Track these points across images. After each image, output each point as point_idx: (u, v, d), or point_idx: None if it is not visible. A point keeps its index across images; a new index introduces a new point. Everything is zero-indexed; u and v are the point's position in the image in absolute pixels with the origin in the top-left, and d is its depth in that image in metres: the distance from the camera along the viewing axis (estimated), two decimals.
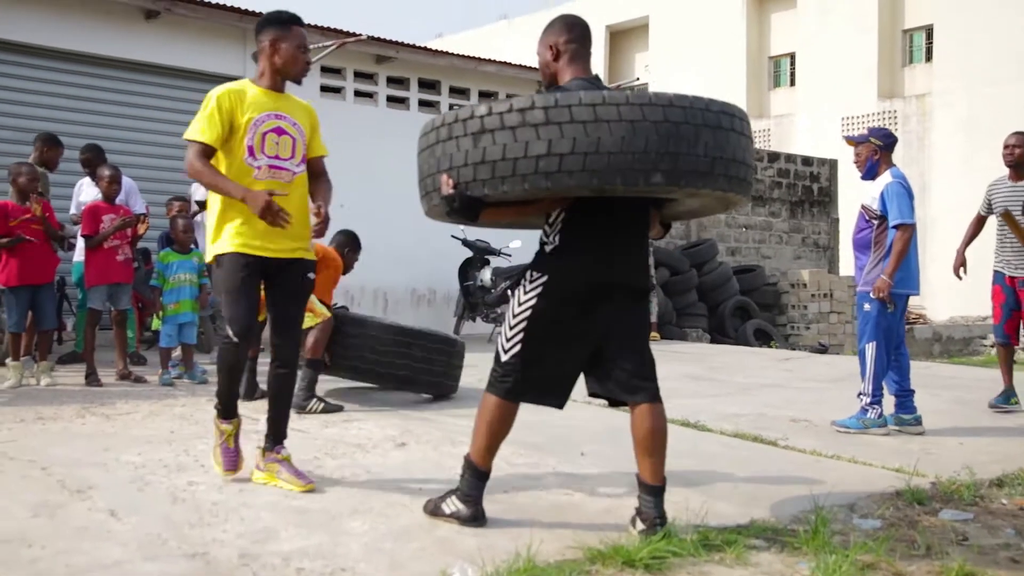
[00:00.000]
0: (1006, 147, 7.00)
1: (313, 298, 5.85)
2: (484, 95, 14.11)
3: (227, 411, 4.22)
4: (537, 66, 3.66)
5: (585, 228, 3.39)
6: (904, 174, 6.05)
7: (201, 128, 4.19)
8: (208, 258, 4.15)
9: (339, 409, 6.08)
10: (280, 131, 4.18)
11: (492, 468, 3.56)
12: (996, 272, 7.10)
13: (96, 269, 7.22)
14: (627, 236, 3.47)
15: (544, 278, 3.41)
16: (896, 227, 5.81)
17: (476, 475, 3.52)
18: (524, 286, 3.46)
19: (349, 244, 7.09)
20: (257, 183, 4.04)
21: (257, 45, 4.24)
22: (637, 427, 3.46)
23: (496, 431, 3.51)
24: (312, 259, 4.29)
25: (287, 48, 4.16)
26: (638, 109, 3.06)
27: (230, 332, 4.02)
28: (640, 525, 3.35)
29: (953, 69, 27.21)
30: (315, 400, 6.04)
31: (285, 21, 4.19)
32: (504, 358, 3.48)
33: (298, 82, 4.31)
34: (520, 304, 3.45)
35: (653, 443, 3.43)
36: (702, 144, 3.12)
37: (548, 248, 3.45)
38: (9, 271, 6.89)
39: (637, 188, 3.11)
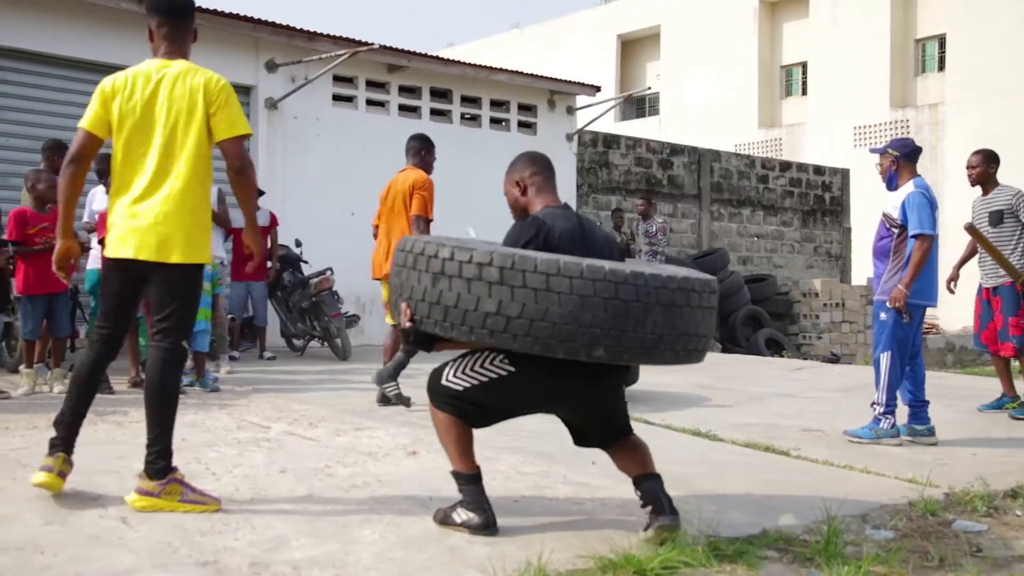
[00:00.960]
0: (968, 167, 7.31)
1: None
2: (495, 104, 14.15)
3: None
4: (508, 202, 3.76)
5: None
6: (928, 184, 6.03)
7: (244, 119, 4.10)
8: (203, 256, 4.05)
9: (407, 403, 6.47)
10: None
11: (479, 467, 3.57)
12: (979, 284, 7.32)
13: None
14: None
15: (512, 369, 3.40)
16: (915, 237, 5.78)
17: (469, 480, 3.53)
18: (486, 357, 3.44)
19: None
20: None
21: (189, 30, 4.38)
22: (617, 460, 3.62)
23: (459, 438, 3.54)
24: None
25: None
26: (590, 285, 3.07)
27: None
28: (650, 527, 3.36)
29: (966, 79, 27.15)
30: (394, 384, 6.47)
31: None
32: (444, 382, 3.51)
33: None
34: (478, 366, 3.45)
35: (635, 459, 3.57)
36: (650, 322, 3.13)
37: None
38: (26, 279, 6.92)
39: (578, 357, 3.14)
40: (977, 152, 7.28)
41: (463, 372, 3.47)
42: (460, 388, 3.47)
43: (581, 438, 3.73)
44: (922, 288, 5.87)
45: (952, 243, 22.83)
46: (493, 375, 3.41)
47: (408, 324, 3.32)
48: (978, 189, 7.34)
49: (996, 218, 7.14)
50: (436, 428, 3.60)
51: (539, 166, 3.72)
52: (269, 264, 10.35)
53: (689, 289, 3.23)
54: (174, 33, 4.16)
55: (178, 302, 3.90)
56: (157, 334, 3.87)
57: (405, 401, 6.49)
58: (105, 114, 3.99)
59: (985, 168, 7.19)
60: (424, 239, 3.31)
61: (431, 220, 6.83)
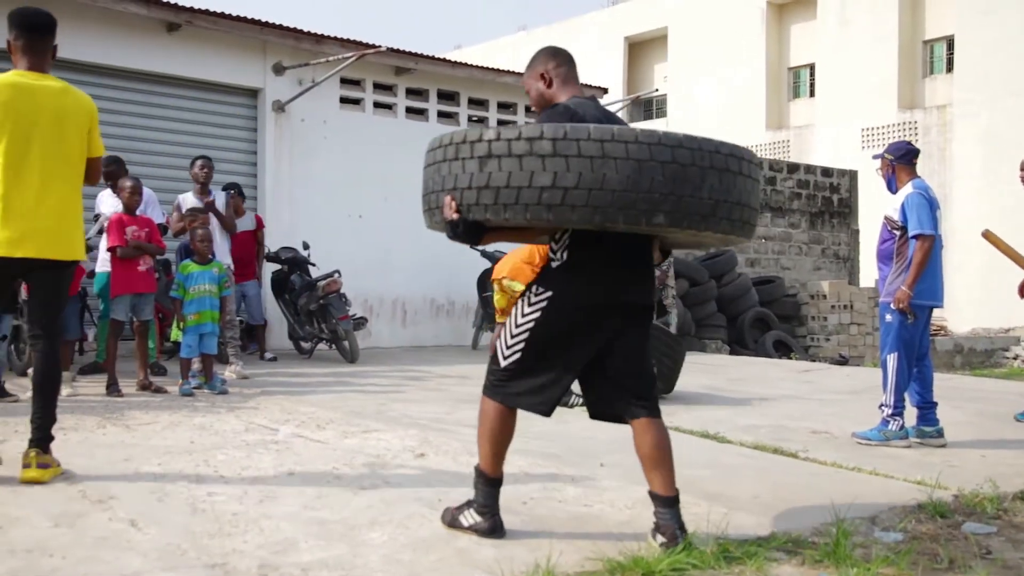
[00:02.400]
0: (1022, 169, 7.03)
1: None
2: (503, 106, 14.15)
3: None
4: (531, 98, 3.69)
5: (592, 247, 3.38)
6: (927, 185, 6.03)
7: (99, 141, 4.64)
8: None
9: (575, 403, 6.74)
10: None
11: (504, 475, 3.56)
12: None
13: (120, 280, 7.27)
14: (633, 255, 3.47)
15: (549, 293, 3.41)
16: (915, 237, 5.79)
17: (488, 483, 3.52)
18: (528, 298, 3.46)
19: None
20: None
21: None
22: (640, 443, 3.46)
23: (499, 437, 3.51)
24: None
25: None
26: (646, 148, 3.04)
27: None
28: (660, 539, 3.33)
29: (974, 80, 27.07)
30: (573, 395, 6.63)
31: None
32: (503, 364, 3.48)
33: None
34: (523, 316, 3.45)
35: (658, 456, 3.43)
36: (707, 187, 3.10)
37: (554, 264, 3.44)
38: None
39: (639, 227, 3.11)
40: None
41: (511, 337, 3.45)
42: (516, 356, 3.43)
43: (602, 403, 3.57)
44: (927, 289, 5.87)
45: (960, 244, 22.85)
46: (537, 314, 3.39)
47: (455, 216, 3.25)
48: (1011, 188, 7.17)
49: None
50: (480, 423, 3.54)
51: (562, 58, 3.63)
52: (276, 268, 10.48)
53: (740, 157, 3.22)
54: (37, 48, 4.41)
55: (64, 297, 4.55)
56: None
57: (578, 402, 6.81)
58: None
59: None
60: (463, 128, 3.28)
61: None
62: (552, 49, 3.69)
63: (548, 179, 3.04)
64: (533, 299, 3.44)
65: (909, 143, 6.23)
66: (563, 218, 3.09)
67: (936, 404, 6.00)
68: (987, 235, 6.82)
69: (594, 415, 3.63)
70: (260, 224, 10.34)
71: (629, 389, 3.48)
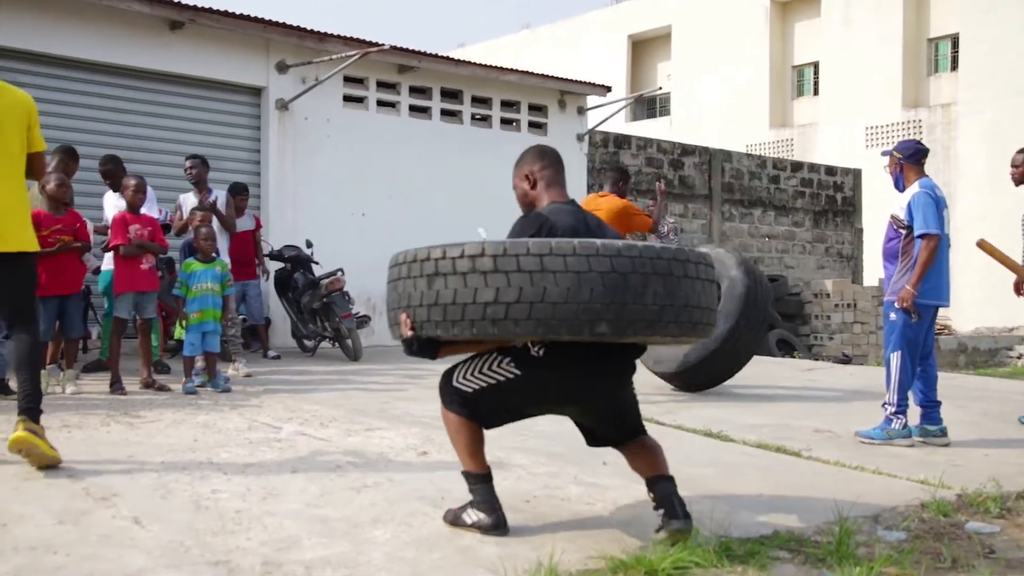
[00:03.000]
0: (1012, 166, 6.94)
1: None
2: (506, 104, 14.15)
3: None
4: (516, 196, 3.75)
5: (574, 346, 3.32)
6: (934, 184, 6.01)
7: (40, 136, 4.76)
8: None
9: None
10: None
11: (489, 466, 3.57)
12: None
13: (123, 278, 7.28)
14: (615, 347, 3.43)
15: (517, 372, 3.39)
16: (921, 237, 5.78)
17: (479, 480, 3.53)
18: (494, 360, 3.43)
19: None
20: None
21: None
22: (632, 462, 3.60)
23: (471, 440, 3.54)
24: None
25: None
26: (585, 260, 3.05)
27: None
28: (663, 534, 3.34)
29: (979, 78, 27.02)
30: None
31: None
32: (458, 386, 3.51)
33: None
34: (486, 369, 3.45)
35: (651, 463, 3.54)
36: (650, 293, 3.10)
37: (532, 352, 3.39)
38: (38, 280, 6.93)
39: (582, 337, 3.11)
40: (1022, 150, 6.96)
41: (471, 375, 3.47)
42: (469, 390, 3.47)
43: (594, 439, 3.72)
44: (932, 288, 5.86)
45: (964, 244, 22.76)
46: (500, 378, 3.41)
47: (409, 333, 3.30)
48: (1014, 186, 7.04)
49: None
50: (447, 429, 3.60)
51: (548, 160, 3.70)
52: (279, 267, 10.51)
53: (684, 260, 3.22)
54: None
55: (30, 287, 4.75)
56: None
57: None
58: None
59: None
60: (415, 248, 3.31)
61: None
62: (540, 150, 3.75)
63: (491, 295, 3.08)
64: (496, 366, 3.42)
65: (918, 142, 6.21)
66: (507, 332, 3.12)
67: (940, 403, 5.99)
68: (982, 244, 6.73)
69: (590, 445, 3.76)
70: (258, 224, 10.35)
71: (613, 431, 3.61)
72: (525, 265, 3.06)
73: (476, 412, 3.50)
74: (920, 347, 5.93)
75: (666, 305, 3.14)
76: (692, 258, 3.26)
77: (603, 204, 7.61)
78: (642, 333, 3.15)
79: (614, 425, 3.60)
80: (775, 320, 15.57)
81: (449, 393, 3.54)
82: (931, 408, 5.95)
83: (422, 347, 3.35)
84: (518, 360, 3.38)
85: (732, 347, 7.74)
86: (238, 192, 10.03)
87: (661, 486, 3.44)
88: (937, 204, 5.87)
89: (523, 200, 3.71)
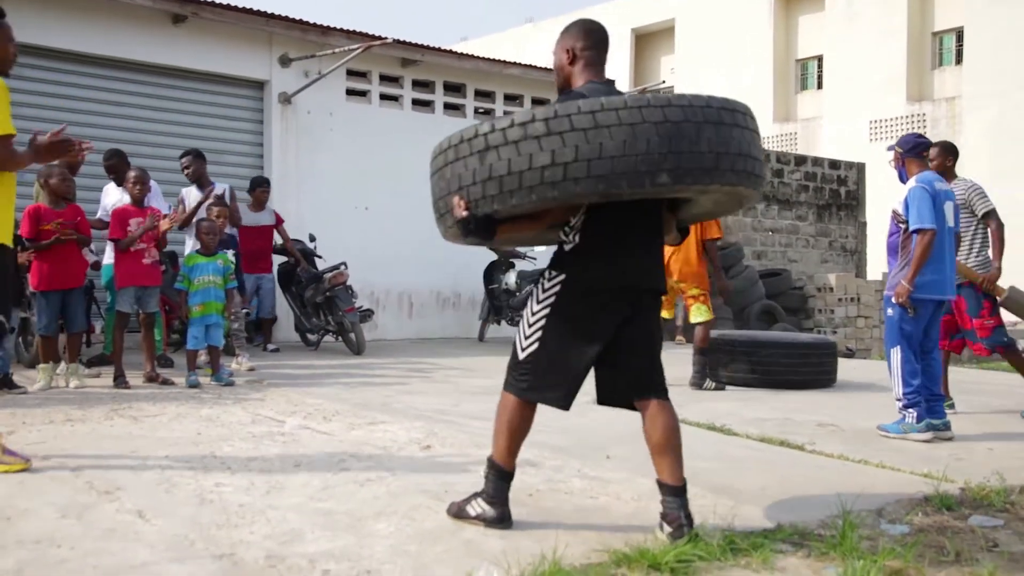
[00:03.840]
0: (928, 160, 7.02)
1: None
2: (509, 98, 14.14)
3: None
4: (554, 64, 3.68)
5: (603, 230, 3.39)
6: (935, 177, 5.99)
7: (7, 119, 4.27)
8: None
9: (722, 388, 7.85)
10: None
11: (515, 469, 3.56)
12: None
13: (124, 272, 7.29)
14: (643, 238, 3.47)
15: (562, 276, 3.42)
16: (915, 232, 5.78)
17: (500, 476, 3.52)
18: (543, 284, 3.48)
19: None
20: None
21: None
22: (649, 426, 3.45)
23: (516, 431, 3.52)
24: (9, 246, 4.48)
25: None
26: (637, 112, 3.06)
27: None
28: (667, 528, 3.33)
29: (983, 72, 26.97)
30: (708, 380, 7.76)
31: None
32: (521, 356, 3.49)
33: (5, 74, 4.40)
34: (538, 302, 3.47)
35: (667, 441, 3.41)
36: (704, 140, 3.11)
37: (567, 247, 3.45)
38: (40, 275, 6.95)
39: (643, 190, 3.11)
40: (935, 144, 7.08)
41: (528, 327, 3.47)
42: (535, 346, 3.44)
43: (611, 388, 3.57)
44: (931, 282, 5.85)
45: None
46: (552, 297, 3.41)
47: (464, 214, 3.26)
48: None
49: None
50: (497, 415, 3.55)
51: (593, 39, 3.59)
52: (283, 260, 10.54)
53: (733, 109, 3.22)
54: None
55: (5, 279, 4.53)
56: None
57: (721, 387, 7.90)
58: None
59: (942, 161, 7.04)
60: (456, 131, 3.30)
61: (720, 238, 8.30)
62: (588, 27, 3.63)
63: (547, 158, 3.07)
64: (547, 284, 3.46)
65: (919, 135, 6.20)
66: (568, 192, 3.10)
67: (943, 396, 5.99)
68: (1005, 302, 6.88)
69: (602, 400, 3.62)
70: (279, 220, 10.39)
71: (639, 374, 3.48)
72: (578, 123, 3.06)
73: (535, 384, 3.45)
74: (919, 341, 5.92)
75: (721, 153, 3.14)
76: (739, 108, 3.27)
77: None
78: (701, 181, 3.15)
79: (643, 360, 3.48)
80: (779, 314, 15.55)
81: (515, 368, 3.51)
82: (934, 402, 5.94)
83: (479, 225, 3.30)
84: (558, 266, 3.43)
85: None
86: (258, 185, 10.08)
87: (672, 500, 3.36)
88: (935, 198, 5.85)
89: (560, 72, 3.63)
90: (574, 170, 3.05)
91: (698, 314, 8.04)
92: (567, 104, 3.11)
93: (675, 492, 3.38)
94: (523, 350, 3.49)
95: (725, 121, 3.17)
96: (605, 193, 3.11)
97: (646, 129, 3.04)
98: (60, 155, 4.50)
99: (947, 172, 6.93)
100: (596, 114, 3.06)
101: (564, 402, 3.50)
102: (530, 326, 3.48)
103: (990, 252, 6.92)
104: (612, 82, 3.58)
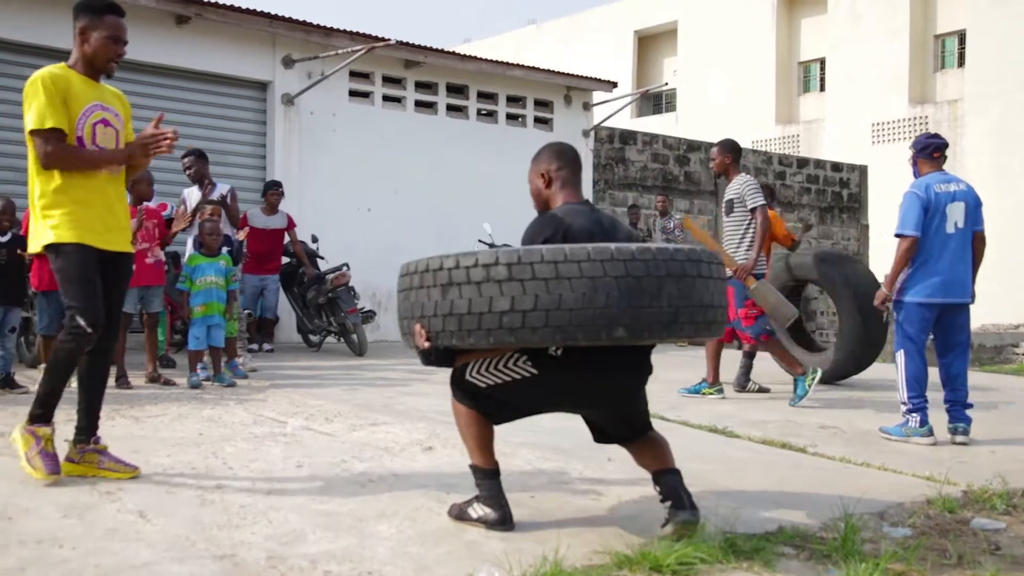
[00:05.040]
0: (710, 159, 7.65)
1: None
2: (512, 100, 14.14)
3: (49, 414, 4.11)
4: (531, 191, 3.74)
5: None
6: (932, 181, 5.93)
7: (51, 113, 3.94)
8: (39, 244, 4.01)
9: (767, 391, 7.96)
10: (105, 123, 4.11)
11: (498, 463, 3.58)
12: None
13: None
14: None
15: (535, 371, 3.37)
16: (896, 236, 5.87)
17: (486, 475, 3.53)
18: (512, 359, 3.40)
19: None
20: (88, 177, 4.01)
21: (73, 29, 4.14)
22: (637, 456, 3.61)
23: (480, 433, 3.54)
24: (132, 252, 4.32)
25: (97, 37, 4.11)
26: (599, 265, 3.05)
27: (82, 322, 3.88)
28: (669, 523, 3.34)
29: (986, 75, 26.96)
30: (752, 383, 7.97)
31: (98, 9, 4.13)
32: (472, 380, 3.48)
33: (108, 75, 4.24)
34: (501, 366, 3.42)
35: (657, 456, 3.54)
36: (665, 295, 3.10)
37: (551, 350, 3.36)
38: (41, 275, 6.95)
39: (599, 341, 3.10)
40: (717, 144, 7.55)
41: (487, 370, 3.45)
42: (482, 385, 3.45)
43: (601, 435, 3.72)
44: (925, 286, 5.82)
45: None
46: (516, 375, 3.39)
47: (425, 344, 3.28)
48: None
49: (728, 207, 7.46)
50: (457, 422, 3.59)
51: (566, 160, 3.68)
52: (286, 260, 10.55)
53: (698, 260, 3.21)
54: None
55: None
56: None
57: (766, 390, 8.01)
58: None
59: (722, 159, 7.45)
60: (426, 257, 3.29)
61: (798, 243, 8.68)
62: (559, 149, 3.72)
63: (507, 303, 3.07)
64: (513, 364, 3.40)
65: (931, 135, 6.17)
66: (524, 340, 3.11)
67: (961, 402, 5.91)
68: (684, 223, 7.56)
69: (597, 440, 3.76)
70: (291, 223, 10.39)
71: (622, 428, 3.61)
72: (540, 272, 3.05)
73: (487, 407, 3.49)
74: (921, 344, 5.89)
75: (681, 306, 3.14)
76: (705, 258, 3.26)
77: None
78: (658, 335, 3.15)
79: (626, 423, 3.59)
80: None
81: (461, 387, 3.53)
82: (952, 407, 5.90)
83: (440, 357, 3.36)
84: (535, 360, 3.36)
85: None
86: (269, 188, 10.10)
87: (668, 478, 3.44)
88: (927, 203, 5.82)
89: (537, 197, 3.70)
90: (532, 319, 3.05)
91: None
92: (530, 250, 3.10)
93: (668, 472, 3.47)
94: (470, 376, 3.47)
95: (688, 273, 3.16)
96: (562, 343, 3.13)
97: (607, 283, 3.04)
98: (154, 152, 4.12)
99: (728, 170, 7.52)
100: (558, 264, 3.05)
101: (510, 420, 3.61)
102: (486, 370, 3.44)
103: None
104: (587, 202, 3.65)
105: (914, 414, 5.77)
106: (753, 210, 7.26)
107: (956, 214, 5.87)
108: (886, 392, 8.17)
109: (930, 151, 6.04)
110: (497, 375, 3.43)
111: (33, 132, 3.94)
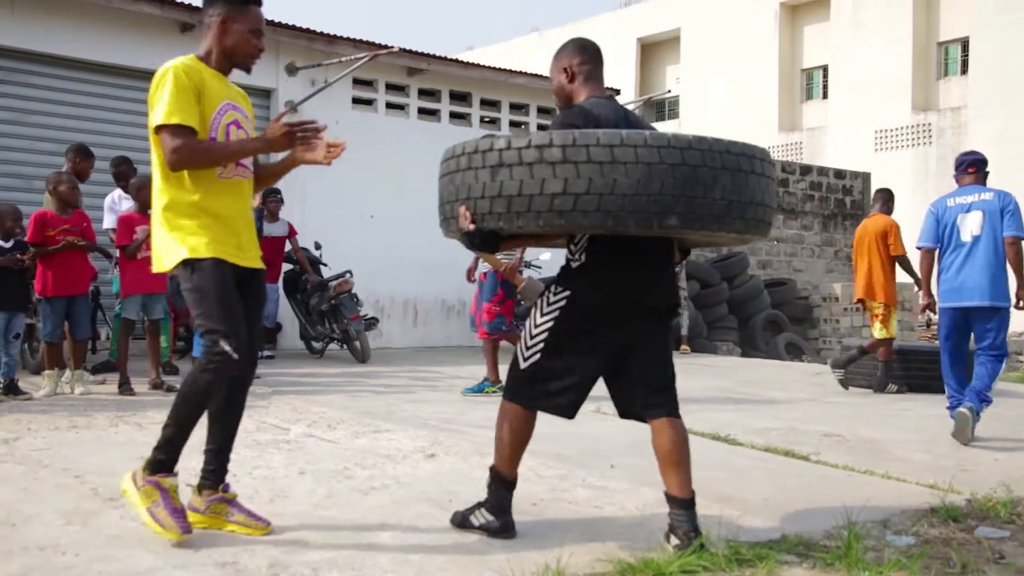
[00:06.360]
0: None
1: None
2: (515, 107, 14.16)
3: (174, 460, 3.44)
4: (553, 88, 3.68)
5: (611, 248, 3.35)
6: (948, 195, 6.43)
7: (179, 108, 3.41)
8: (175, 259, 3.42)
9: (904, 390, 8.55)
10: (238, 124, 3.64)
11: (518, 477, 3.56)
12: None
13: (130, 279, 7.30)
14: (653, 256, 3.44)
15: (567, 293, 3.40)
16: (916, 249, 6.50)
17: (503, 485, 3.51)
18: (547, 298, 3.46)
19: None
20: (221, 184, 3.52)
21: (205, 19, 3.64)
22: (658, 442, 3.43)
23: (518, 439, 3.51)
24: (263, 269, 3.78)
25: (239, 29, 3.61)
26: (656, 151, 3.02)
27: (227, 347, 3.30)
28: (674, 540, 3.31)
29: (989, 82, 26.94)
30: (891, 384, 8.54)
31: None
32: (523, 365, 3.48)
33: (247, 70, 3.78)
34: (542, 316, 3.45)
35: (677, 456, 3.40)
36: (719, 188, 3.08)
37: (574, 265, 3.42)
38: (46, 281, 6.97)
39: (651, 230, 3.09)
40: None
41: (530, 337, 3.45)
42: (536, 356, 3.42)
43: (627, 405, 3.54)
44: (940, 292, 6.31)
45: None
46: (558, 307, 3.39)
47: (470, 226, 3.25)
48: None
49: None
50: (498, 424, 3.53)
51: (589, 54, 3.60)
52: (289, 268, 10.56)
53: (752, 155, 3.20)
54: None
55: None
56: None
57: (904, 388, 8.61)
58: None
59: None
60: (472, 140, 3.27)
61: (906, 256, 8.64)
62: (581, 44, 3.64)
63: (559, 186, 3.04)
64: (552, 299, 3.43)
65: (969, 152, 6.51)
66: (575, 223, 3.09)
67: (982, 399, 6.16)
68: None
69: (622, 415, 3.60)
70: (292, 231, 10.41)
71: (648, 389, 3.46)
72: (595, 156, 3.02)
73: (541, 389, 3.43)
74: (952, 345, 6.36)
75: (733, 200, 3.12)
76: (759, 154, 3.24)
77: (869, 225, 8.85)
78: (709, 227, 3.13)
79: (652, 375, 3.45)
80: (784, 323, 15.54)
81: (514, 377, 3.50)
82: (967, 391, 6.22)
83: (484, 240, 3.31)
84: (564, 282, 3.40)
85: None
86: (268, 196, 10.11)
87: (680, 514, 3.33)
88: (938, 217, 6.32)
89: (560, 93, 3.62)
90: (584, 203, 3.03)
91: (875, 331, 8.72)
92: (587, 133, 3.06)
93: (684, 505, 3.35)
94: (525, 359, 3.47)
95: (743, 168, 3.15)
96: (612, 228, 3.10)
97: (663, 170, 3.01)
98: (297, 143, 3.73)
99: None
100: (615, 148, 3.02)
101: (568, 411, 3.49)
102: (532, 337, 3.46)
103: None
104: (611, 97, 3.58)
105: (950, 410, 6.23)
106: None
107: (971, 224, 6.20)
108: (888, 400, 8.17)
109: (964, 167, 6.39)
110: (543, 325, 3.41)
111: (160, 128, 3.40)
